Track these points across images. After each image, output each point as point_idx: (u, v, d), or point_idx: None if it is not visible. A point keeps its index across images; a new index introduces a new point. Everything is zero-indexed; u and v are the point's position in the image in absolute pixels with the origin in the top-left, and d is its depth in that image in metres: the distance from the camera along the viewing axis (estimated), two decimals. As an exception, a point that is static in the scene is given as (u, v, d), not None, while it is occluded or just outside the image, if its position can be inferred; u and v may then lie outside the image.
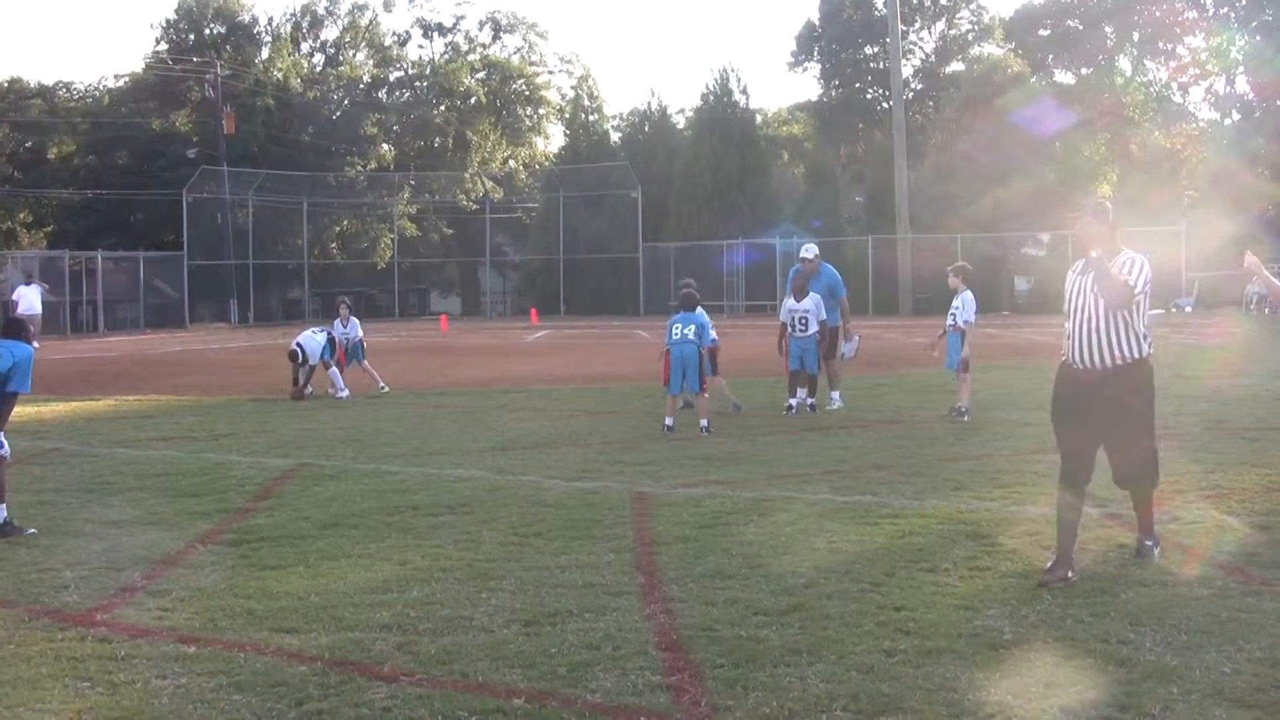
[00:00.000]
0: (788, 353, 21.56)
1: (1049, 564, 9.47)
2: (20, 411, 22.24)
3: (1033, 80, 74.32)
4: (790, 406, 21.08)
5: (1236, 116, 76.61)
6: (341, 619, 8.70)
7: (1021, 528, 11.19)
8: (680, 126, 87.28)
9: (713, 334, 20.43)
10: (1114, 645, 7.77)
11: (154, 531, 12.02)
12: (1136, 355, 9.81)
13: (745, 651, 7.74)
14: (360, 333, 27.48)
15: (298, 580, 9.86)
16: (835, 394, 22.18)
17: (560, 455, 16.82)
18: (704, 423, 18.83)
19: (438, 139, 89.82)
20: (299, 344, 25.40)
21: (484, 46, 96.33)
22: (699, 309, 19.96)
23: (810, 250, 22.90)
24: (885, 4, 76.37)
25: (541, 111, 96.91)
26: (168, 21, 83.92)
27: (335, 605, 9.05)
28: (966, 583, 9.35)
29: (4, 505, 12.00)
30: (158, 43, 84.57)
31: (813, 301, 21.54)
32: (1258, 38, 71.11)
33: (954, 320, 20.16)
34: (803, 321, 21.40)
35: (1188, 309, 57.65)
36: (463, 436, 18.95)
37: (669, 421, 19.01)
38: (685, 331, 19.28)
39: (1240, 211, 60.38)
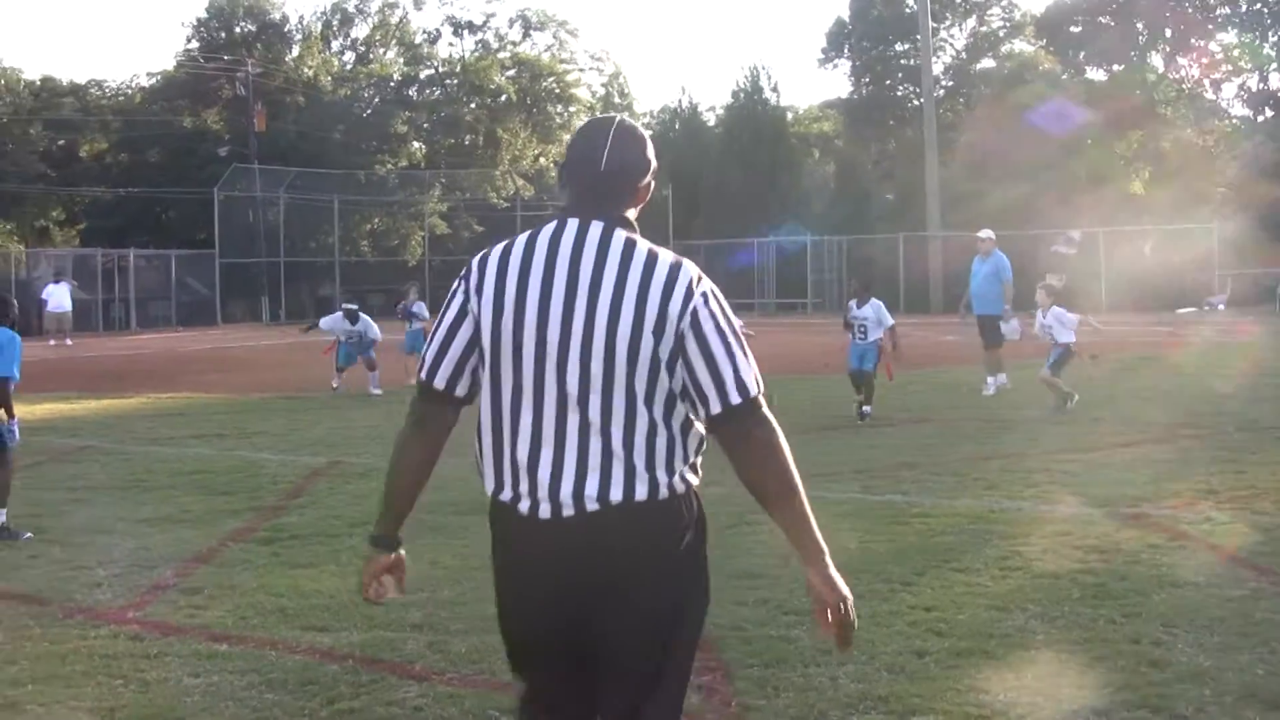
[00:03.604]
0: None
1: None
2: (52, 408, 22.40)
3: (1063, 76, 74.15)
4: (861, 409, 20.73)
5: (1269, 113, 76.28)
6: (373, 618, 8.70)
7: (1053, 527, 11.16)
8: (711, 124, 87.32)
9: None
10: (1146, 646, 7.74)
11: (186, 529, 12.07)
12: (657, 491, 4.24)
13: (775, 651, 7.74)
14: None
15: (329, 579, 9.89)
16: (991, 379, 23.01)
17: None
18: None
19: (468, 136, 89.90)
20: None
21: (514, 44, 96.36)
22: None
23: (986, 233, 24.23)
24: (915, 1, 76.08)
25: (572, 109, 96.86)
26: (199, 20, 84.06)
27: (366, 604, 9.06)
28: (998, 583, 9.33)
29: (4, 510, 11.92)
30: (189, 41, 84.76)
31: (872, 309, 20.82)
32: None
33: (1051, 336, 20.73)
34: (862, 330, 20.82)
35: (1220, 307, 57.39)
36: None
37: None
38: None
39: (1273, 209, 60.07)
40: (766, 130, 74.67)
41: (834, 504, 12.53)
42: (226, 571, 10.25)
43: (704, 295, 4.23)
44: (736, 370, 4.19)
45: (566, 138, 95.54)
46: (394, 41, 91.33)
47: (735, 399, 4.17)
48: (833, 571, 4.26)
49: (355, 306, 27.46)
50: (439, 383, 4.40)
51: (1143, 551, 10.20)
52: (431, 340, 4.49)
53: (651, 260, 4.29)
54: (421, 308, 28.34)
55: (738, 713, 6.81)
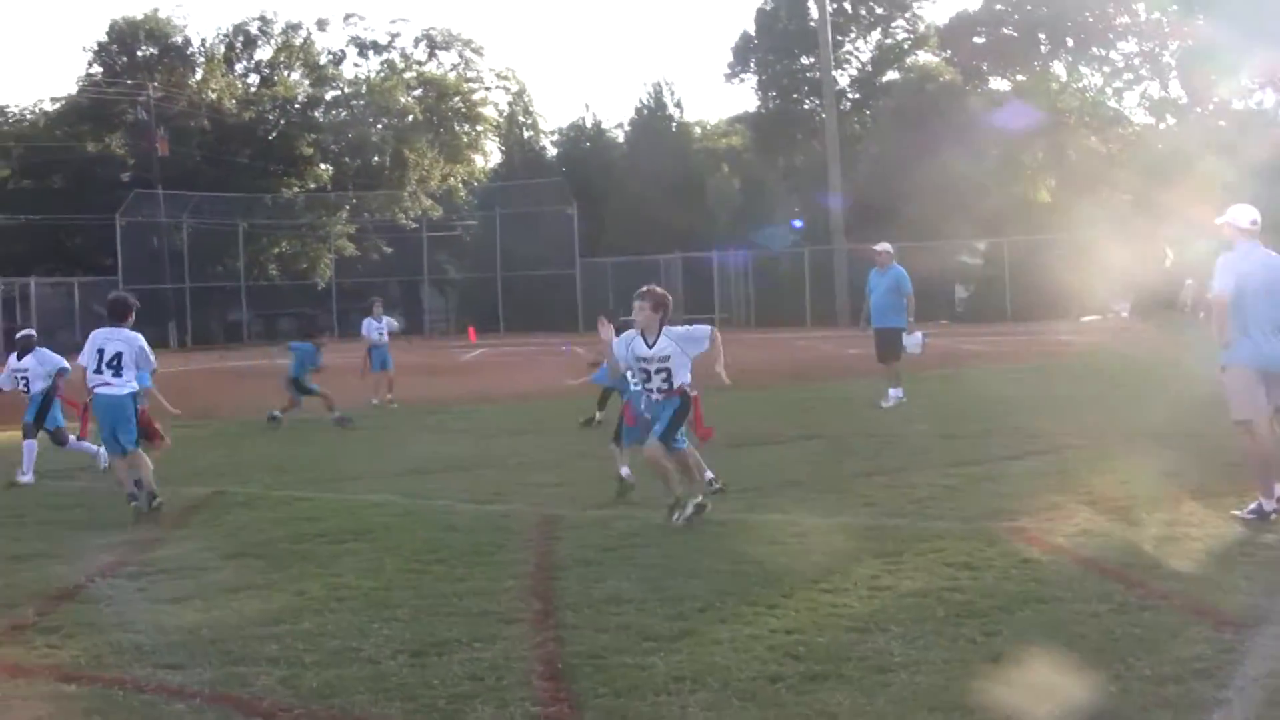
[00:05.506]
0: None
1: None
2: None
3: (966, 87, 74.63)
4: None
5: (1171, 121, 76.95)
6: (229, 653, 8.55)
7: (927, 544, 11.10)
8: (620, 141, 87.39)
9: None
10: (1003, 666, 7.69)
11: (57, 565, 11.84)
12: None
13: (629, 680, 7.63)
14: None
15: (191, 613, 9.70)
16: (892, 392, 23.30)
17: (475, 477, 16.69)
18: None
19: (375, 158, 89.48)
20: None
21: (420, 64, 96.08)
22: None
23: (884, 246, 24.35)
24: (817, 14, 76.32)
25: (479, 128, 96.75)
26: (100, 44, 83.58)
27: (225, 639, 8.90)
28: (864, 603, 9.25)
29: None
30: (90, 65, 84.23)
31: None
32: (1189, 43, 71.43)
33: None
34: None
35: (1124, 313, 57.86)
36: (381, 460, 18.73)
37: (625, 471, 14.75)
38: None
39: (1177, 215, 60.68)
40: (670, 147, 74.91)
41: (715, 524, 12.50)
42: (89, 608, 10.05)
43: None
44: None
45: (475, 157, 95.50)
46: (298, 63, 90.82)
47: None
48: None
49: (30, 332, 19.88)
50: None
51: (1013, 567, 10.16)
52: None
53: None
54: (382, 323, 28.46)
55: (581, 745, 6.71)
